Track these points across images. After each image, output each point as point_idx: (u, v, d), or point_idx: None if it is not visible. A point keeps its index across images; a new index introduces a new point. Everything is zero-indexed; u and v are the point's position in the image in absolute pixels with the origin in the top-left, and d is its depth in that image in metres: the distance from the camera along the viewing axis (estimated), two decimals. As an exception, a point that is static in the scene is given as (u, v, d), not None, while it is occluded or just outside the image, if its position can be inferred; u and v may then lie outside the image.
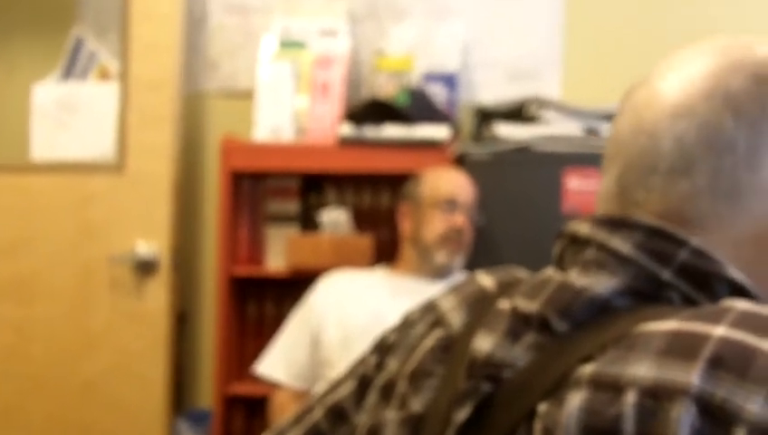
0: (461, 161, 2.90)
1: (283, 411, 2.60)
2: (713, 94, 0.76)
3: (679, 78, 0.79)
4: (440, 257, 2.64)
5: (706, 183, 0.75)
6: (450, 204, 2.66)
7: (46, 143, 3.32)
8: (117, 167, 3.20)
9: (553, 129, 2.94)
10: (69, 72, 3.38)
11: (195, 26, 3.38)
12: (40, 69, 3.40)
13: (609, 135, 0.84)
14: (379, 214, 3.15)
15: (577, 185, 2.82)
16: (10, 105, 3.50)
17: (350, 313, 2.58)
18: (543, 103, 3.02)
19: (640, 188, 0.77)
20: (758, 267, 0.74)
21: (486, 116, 3.07)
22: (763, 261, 0.75)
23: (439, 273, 2.65)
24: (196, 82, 3.39)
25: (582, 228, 0.78)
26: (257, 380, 2.75)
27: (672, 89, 0.78)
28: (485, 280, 0.89)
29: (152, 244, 3.13)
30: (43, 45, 3.49)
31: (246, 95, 3.27)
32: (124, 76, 3.23)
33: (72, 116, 3.32)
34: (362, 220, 3.13)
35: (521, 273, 0.88)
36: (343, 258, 2.92)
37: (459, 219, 2.66)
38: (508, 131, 2.93)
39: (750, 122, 0.75)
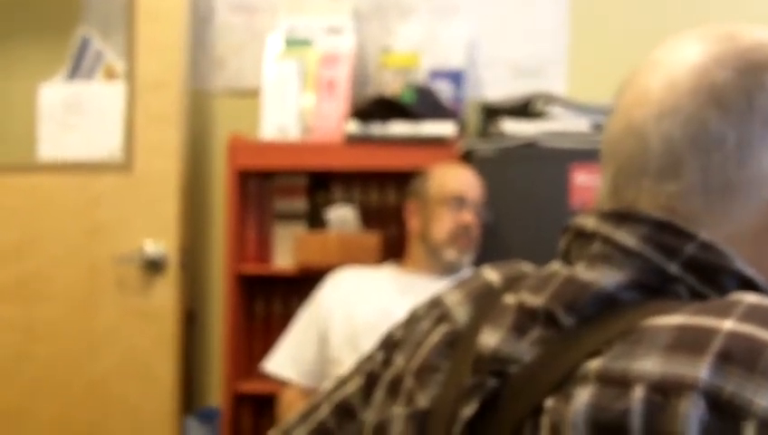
0: (468, 158, 2.90)
1: (291, 409, 2.60)
2: (697, 90, 0.75)
3: (664, 74, 0.78)
4: (449, 255, 2.64)
5: (697, 181, 0.74)
6: (458, 201, 2.65)
7: (53, 143, 3.32)
8: (124, 166, 3.20)
9: (560, 124, 2.94)
10: (75, 72, 3.38)
11: (200, 25, 3.38)
12: (46, 69, 3.41)
13: (604, 135, 0.83)
14: (386, 211, 3.14)
15: (584, 180, 2.82)
16: (17, 105, 3.50)
17: (357, 310, 2.58)
18: (550, 99, 3.01)
19: (631, 189, 0.77)
20: (758, 261, 0.73)
21: (493, 112, 3.07)
22: (763, 254, 0.74)
23: (448, 270, 2.64)
24: (203, 81, 3.39)
25: (588, 222, 0.78)
26: (266, 378, 2.75)
27: (658, 86, 0.77)
28: (491, 275, 0.88)
29: (160, 243, 3.14)
30: (48, 45, 3.49)
31: (253, 93, 3.27)
32: (130, 75, 3.23)
33: (79, 116, 3.32)
34: (369, 218, 3.12)
35: (526, 267, 0.88)
36: (351, 256, 2.92)
37: (468, 217, 2.65)
38: (514, 128, 2.93)
39: (736, 116, 0.74)
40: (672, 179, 0.75)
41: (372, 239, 2.99)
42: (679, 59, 0.78)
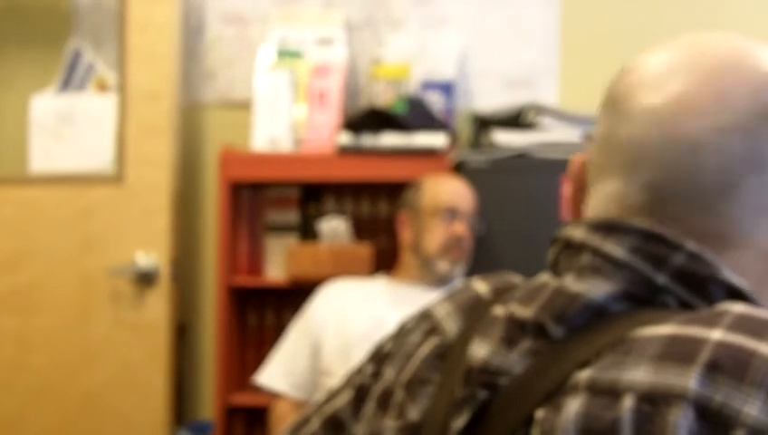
0: (459, 169, 2.90)
1: (283, 422, 2.60)
2: (755, 108, 0.74)
3: (708, 81, 0.76)
4: (442, 266, 2.64)
5: (751, 201, 0.74)
6: (451, 213, 2.66)
7: (45, 155, 3.32)
8: (116, 178, 3.20)
9: (551, 135, 2.94)
10: (67, 84, 3.38)
11: (192, 37, 3.39)
12: (38, 81, 3.41)
13: (608, 137, 0.80)
14: (378, 223, 3.14)
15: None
16: (8, 117, 3.50)
17: (350, 321, 2.58)
18: (541, 110, 3.02)
19: (680, 204, 0.75)
20: None
21: (484, 123, 3.07)
22: None
23: (440, 281, 2.64)
24: (194, 93, 3.40)
25: (577, 233, 0.77)
26: (258, 390, 2.74)
27: (705, 95, 0.75)
28: (480, 286, 0.88)
29: (152, 255, 3.13)
30: (40, 57, 3.49)
31: (244, 105, 3.27)
32: (122, 87, 3.23)
33: (71, 128, 3.32)
34: (361, 229, 3.13)
35: (516, 278, 0.88)
36: (343, 267, 2.92)
37: (460, 228, 2.66)
38: (506, 138, 2.93)
39: None
40: (731, 196, 0.74)
41: (364, 251, 2.99)
42: (729, 69, 0.76)
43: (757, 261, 0.74)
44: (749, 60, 0.77)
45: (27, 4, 3.50)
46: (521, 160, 2.89)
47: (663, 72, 0.78)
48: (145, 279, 3.13)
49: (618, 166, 0.78)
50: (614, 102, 0.81)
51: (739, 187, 0.73)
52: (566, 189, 0.86)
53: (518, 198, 2.87)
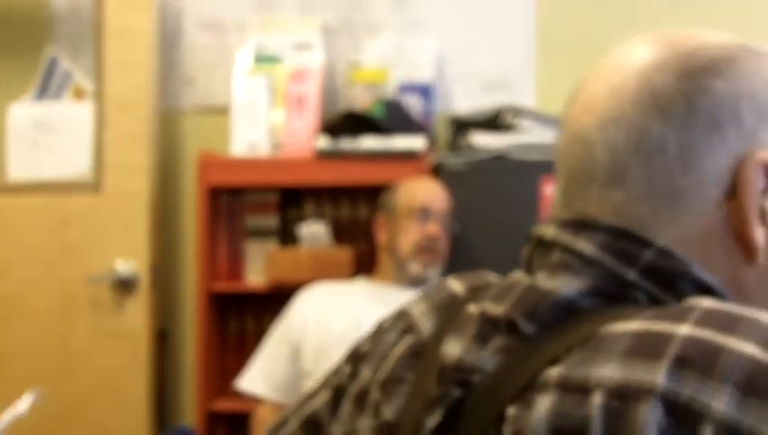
0: (438, 171, 2.91)
1: (265, 425, 2.59)
2: (639, 96, 0.76)
3: (608, 81, 0.78)
4: (415, 267, 2.65)
5: (642, 189, 0.75)
6: (424, 213, 2.67)
7: (22, 163, 3.31)
8: (94, 186, 3.19)
9: (529, 137, 2.95)
10: (44, 92, 3.37)
11: (169, 43, 3.38)
12: (15, 89, 3.39)
13: (556, 144, 0.83)
14: (357, 226, 3.15)
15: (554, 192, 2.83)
16: (-15, 126, 3.49)
17: (330, 321, 2.59)
18: (518, 112, 3.03)
19: (580, 198, 0.78)
20: (708, 264, 0.74)
21: (462, 126, 3.08)
22: (714, 256, 0.75)
23: (414, 282, 2.65)
24: (172, 99, 3.39)
25: (548, 231, 0.78)
26: (239, 395, 2.74)
27: (602, 93, 0.78)
28: (456, 285, 0.89)
29: (131, 262, 3.13)
30: (17, 65, 3.48)
31: (222, 111, 3.27)
32: (99, 95, 3.23)
33: (48, 136, 3.31)
34: (341, 233, 3.13)
35: (492, 277, 0.88)
36: (323, 271, 2.92)
37: (433, 228, 2.67)
38: (484, 141, 2.94)
39: (677, 121, 0.74)
40: (618, 187, 0.75)
41: (344, 254, 2.99)
42: (622, 65, 0.79)
43: (673, 249, 0.74)
44: (652, 52, 0.78)
45: (3, 13, 3.48)
46: (499, 162, 2.90)
47: (587, 79, 0.82)
48: (124, 286, 3.12)
49: (556, 172, 0.83)
50: (565, 110, 0.84)
51: (627, 176, 0.75)
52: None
53: (496, 199, 2.88)
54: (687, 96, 0.75)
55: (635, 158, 0.75)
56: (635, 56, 0.79)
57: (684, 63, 0.76)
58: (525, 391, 0.67)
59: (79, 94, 3.35)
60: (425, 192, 2.72)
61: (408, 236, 2.66)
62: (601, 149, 0.76)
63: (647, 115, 0.75)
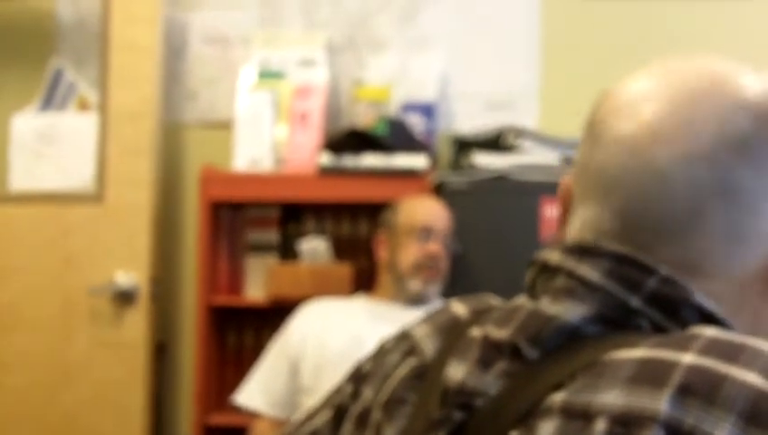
0: (439, 190, 2.92)
1: (262, 441, 2.59)
2: (723, 136, 0.74)
3: (675, 105, 0.77)
4: (414, 285, 2.66)
5: (720, 230, 0.74)
6: (425, 232, 2.67)
7: (25, 174, 3.31)
8: (96, 197, 3.19)
9: (531, 158, 2.96)
10: (48, 103, 3.38)
11: (174, 57, 3.39)
12: (19, 99, 3.40)
13: (586, 163, 0.81)
14: (358, 243, 3.15)
15: (554, 213, 2.83)
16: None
17: (329, 338, 2.59)
18: (521, 133, 3.04)
19: (650, 232, 0.76)
20: (740, 313, 0.75)
21: (464, 145, 3.09)
22: (745, 306, 0.76)
23: (414, 300, 2.65)
24: (176, 113, 3.40)
25: (553, 256, 0.78)
26: (237, 410, 2.74)
27: (672, 122, 0.76)
28: (459, 308, 0.89)
29: (131, 274, 3.13)
30: (22, 76, 3.49)
31: (226, 125, 3.28)
32: (103, 107, 3.23)
33: (52, 147, 3.31)
34: (341, 249, 3.13)
35: (494, 300, 0.88)
36: (323, 287, 2.92)
37: (434, 247, 2.67)
38: (486, 160, 2.95)
39: (756, 166, 0.74)
40: (699, 225, 0.74)
41: (344, 271, 3.00)
42: (689, 93, 0.77)
43: (730, 291, 0.75)
44: (719, 88, 0.77)
45: (9, 23, 3.49)
46: (500, 182, 2.90)
47: (637, 100, 0.79)
48: (124, 298, 3.12)
49: (593, 192, 0.80)
50: (591, 128, 0.82)
51: (707, 216, 0.74)
52: (556, 211, 0.87)
53: (497, 219, 2.88)
54: (766, 141, 0.75)
55: (717, 198, 0.74)
56: (716, 90, 0.77)
57: (761, 107, 0.76)
58: (528, 416, 0.68)
59: (83, 106, 3.36)
60: (426, 211, 2.72)
61: (409, 253, 2.66)
62: (683, 185, 0.74)
63: (732, 157, 0.74)
